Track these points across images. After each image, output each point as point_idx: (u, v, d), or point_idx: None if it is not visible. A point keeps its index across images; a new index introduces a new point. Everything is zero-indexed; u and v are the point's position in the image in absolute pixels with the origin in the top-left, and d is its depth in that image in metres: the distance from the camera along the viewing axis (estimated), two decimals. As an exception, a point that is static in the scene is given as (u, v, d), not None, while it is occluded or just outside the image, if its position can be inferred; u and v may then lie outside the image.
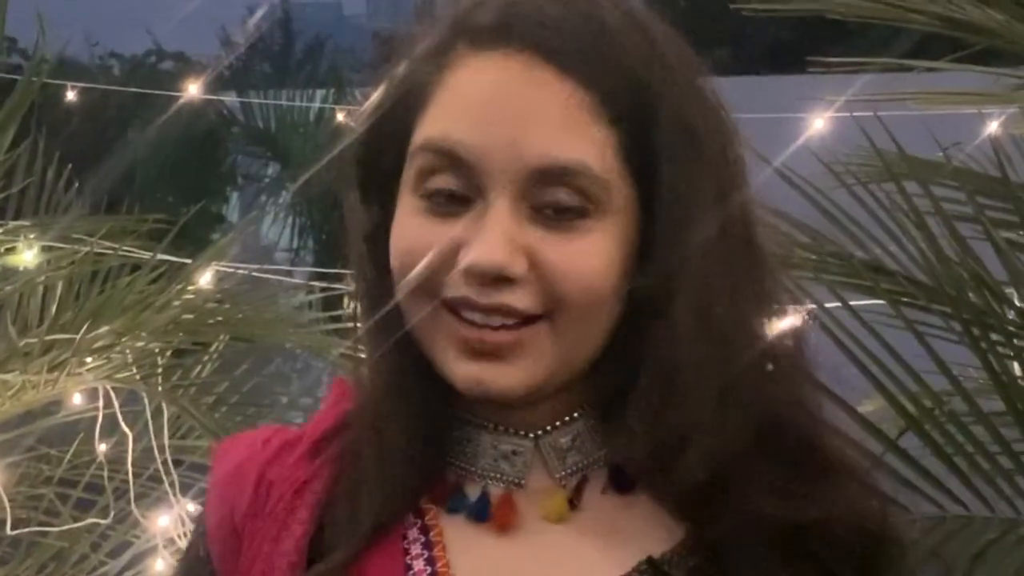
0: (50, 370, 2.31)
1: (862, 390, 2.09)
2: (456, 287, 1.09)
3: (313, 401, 3.26)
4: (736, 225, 1.13)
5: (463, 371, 1.10)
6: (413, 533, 1.15)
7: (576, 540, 1.15)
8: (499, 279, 1.08)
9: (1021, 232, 2.42)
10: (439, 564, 1.14)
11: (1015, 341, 2.09)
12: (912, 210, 2.38)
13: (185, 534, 2.69)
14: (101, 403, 2.45)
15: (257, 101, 7.53)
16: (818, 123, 3.53)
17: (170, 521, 2.73)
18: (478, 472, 1.16)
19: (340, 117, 7.16)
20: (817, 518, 1.12)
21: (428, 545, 1.15)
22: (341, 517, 1.15)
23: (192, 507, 2.72)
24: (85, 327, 2.31)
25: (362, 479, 1.15)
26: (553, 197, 1.08)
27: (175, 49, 9.39)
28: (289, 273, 4.94)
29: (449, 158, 1.09)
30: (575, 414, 1.16)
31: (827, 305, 2.03)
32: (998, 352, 2.06)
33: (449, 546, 1.15)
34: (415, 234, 1.11)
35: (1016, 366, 2.11)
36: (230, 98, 7.05)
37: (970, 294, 2.21)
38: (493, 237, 1.07)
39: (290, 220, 7.73)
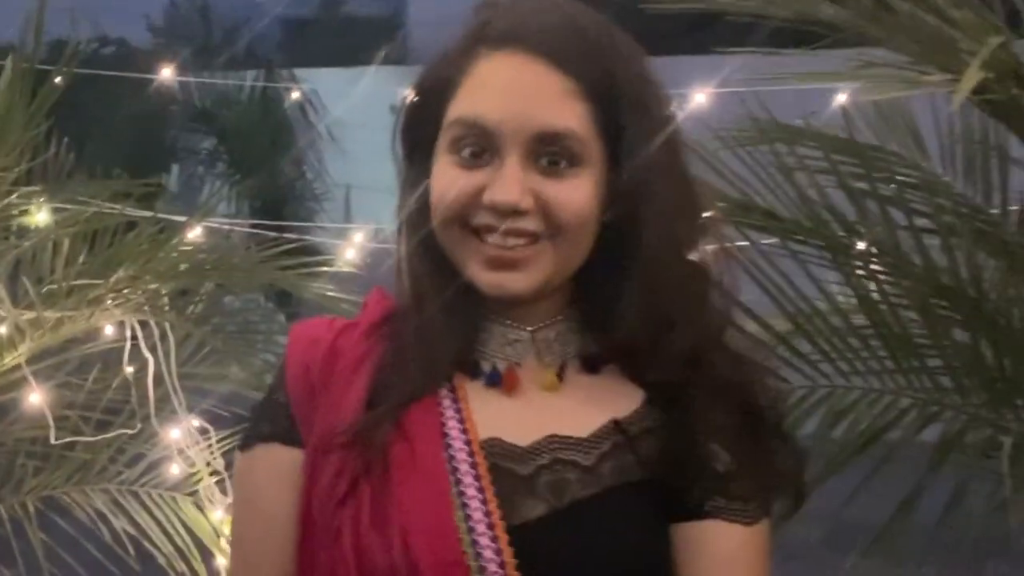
0: (88, 305, 2.54)
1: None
2: (482, 217, 1.37)
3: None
4: (677, 168, 1.42)
5: (487, 278, 1.38)
6: (445, 394, 1.42)
7: (563, 402, 1.43)
8: (514, 212, 1.36)
9: (865, 183, 2.73)
10: (464, 412, 1.40)
11: (869, 266, 2.43)
12: (782, 166, 2.70)
13: (193, 444, 2.94)
14: (128, 334, 2.69)
15: (194, 79, 7.66)
16: (699, 97, 3.84)
17: (180, 434, 2.98)
18: (489, 354, 1.44)
19: (296, 96, 7.30)
20: (749, 379, 1.43)
21: (456, 401, 1.42)
22: (391, 381, 1.41)
23: (197, 423, 2.98)
24: (120, 271, 2.54)
25: (408, 355, 1.41)
26: (549, 153, 1.37)
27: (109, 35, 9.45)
28: (248, 227, 5.16)
29: (475, 127, 1.37)
30: (559, 316, 1.45)
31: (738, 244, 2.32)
32: (857, 274, 2.41)
33: (471, 402, 1.42)
34: (450, 181, 1.38)
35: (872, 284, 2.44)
36: (171, 78, 7.18)
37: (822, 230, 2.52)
38: (509, 182, 1.36)
39: (226, 190, 7.90)
